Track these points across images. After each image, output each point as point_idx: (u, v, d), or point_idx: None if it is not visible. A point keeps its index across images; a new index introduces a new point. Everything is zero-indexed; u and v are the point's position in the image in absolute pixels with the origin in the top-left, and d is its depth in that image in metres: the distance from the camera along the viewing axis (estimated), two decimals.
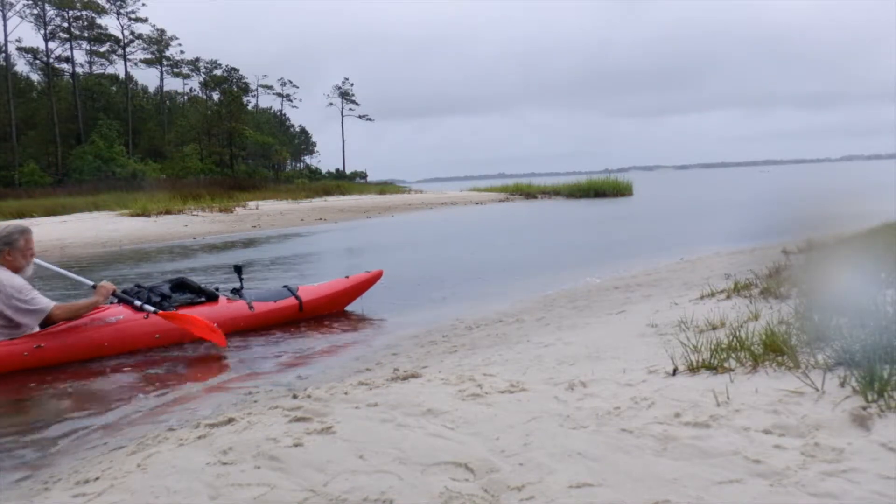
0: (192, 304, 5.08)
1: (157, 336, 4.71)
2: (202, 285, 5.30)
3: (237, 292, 5.48)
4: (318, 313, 5.74)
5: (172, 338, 4.75)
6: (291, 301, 5.54)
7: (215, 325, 4.69)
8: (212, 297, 5.24)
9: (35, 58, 45.61)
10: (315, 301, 5.69)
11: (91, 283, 4.68)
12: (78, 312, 4.46)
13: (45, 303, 4.31)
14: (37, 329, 4.36)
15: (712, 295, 4.37)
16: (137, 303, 4.66)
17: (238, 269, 5.70)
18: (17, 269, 4.36)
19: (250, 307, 5.29)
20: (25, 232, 4.45)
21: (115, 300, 4.76)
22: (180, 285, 5.20)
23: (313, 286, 5.89)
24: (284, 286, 5.79)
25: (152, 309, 4.59)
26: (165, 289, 5.07)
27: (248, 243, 14.19)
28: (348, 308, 6.13)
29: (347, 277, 6.06)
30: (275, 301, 5.47)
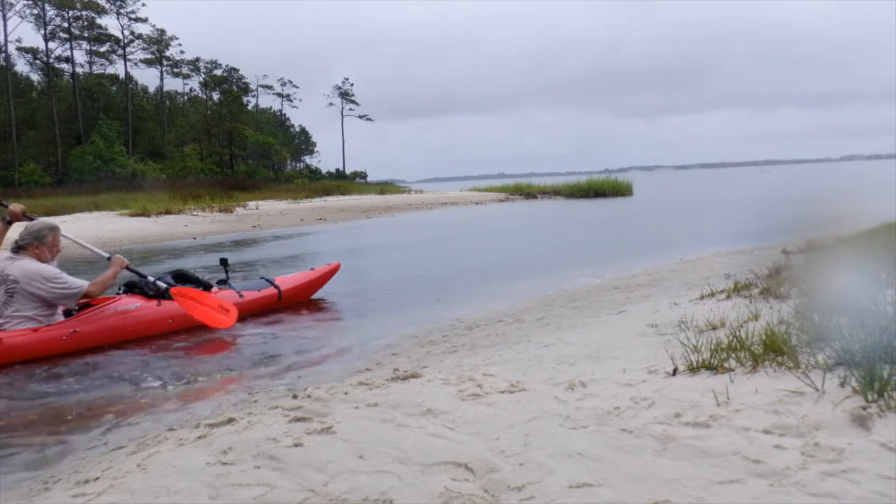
0: None
1: (171, 321, 5.15)
2: (199, 276, 5.76)
3: (224, 283, 5.96)
4: (293, 301, 6.28)
5: (183, 322, 5.14)
6: (272, 290, 6.08)
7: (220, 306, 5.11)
8: (207, 287, 5.63)
9: (35, 58, 45.55)
10: (291, 290, 6.25)
11: (107, 255, 5.20)
12: (107, 284, 4.89)
13: (80, 283, 4.71)
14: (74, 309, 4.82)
15: (712, 295, 4.37)
16: (151, 278, 5.14)
17: (224, 262, 6.25)
18: (42, 262, 4.74)
19: (240, 296, 5.73)
20: (54, 230, 4.90)
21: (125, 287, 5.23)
22: (180, 276, 5.59)
23: (286, 277, 6.46)
24: (262, 278, 6.38)
25: (164, 286, 5.05)
26: (168, 279, 5.44)
27: (248, 243, 14.18)
28: (343, 307, 6.44)
29: (313, 269, 6.69)
30: (258, 290, 6.00)
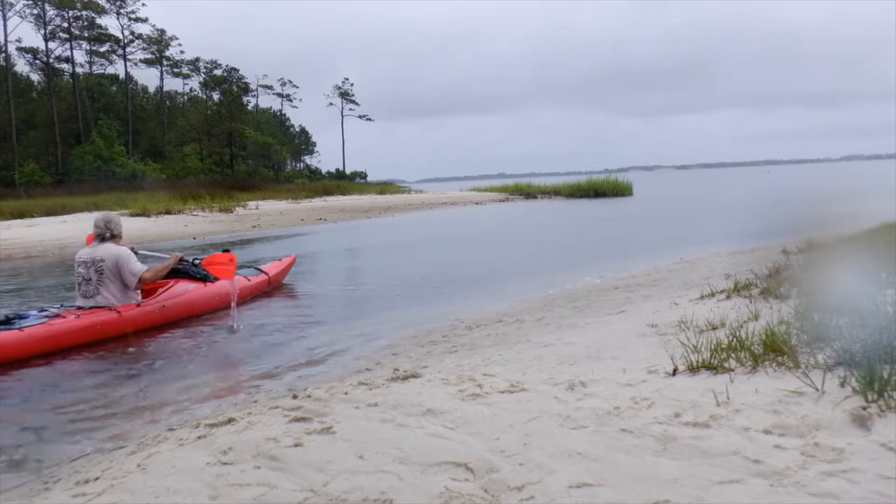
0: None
1: (217, 298, 6.19)
2: None
3: None
4: (275, 284, 7.64)
5: (223, 301, 6.15)
6: (264, 277, 7.39)
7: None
8: None
9: (35, 58, 45.54)
10: (275, 276, 7.65)
11: (168, 256, 5.97)
12: (161, 274, 5.57)
13: (142, 267, 5.40)
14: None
15: (712, 295, 4.37)
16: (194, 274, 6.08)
17: (226, 252, 7.11)
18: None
19: (248, 280, 6.97)
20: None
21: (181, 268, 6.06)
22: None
23: (268, 266, 7.81)
24: (252, 266, 7.72)
25: (203, 272, 6.08)
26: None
27: (248, 243, 14.18)
28: (344, 306, 6.68)
29: (280, 260, 8.13)
30: (257, 276, 7.27)
